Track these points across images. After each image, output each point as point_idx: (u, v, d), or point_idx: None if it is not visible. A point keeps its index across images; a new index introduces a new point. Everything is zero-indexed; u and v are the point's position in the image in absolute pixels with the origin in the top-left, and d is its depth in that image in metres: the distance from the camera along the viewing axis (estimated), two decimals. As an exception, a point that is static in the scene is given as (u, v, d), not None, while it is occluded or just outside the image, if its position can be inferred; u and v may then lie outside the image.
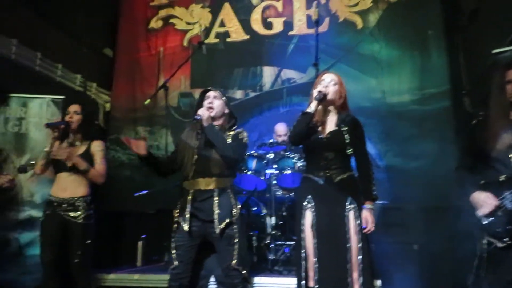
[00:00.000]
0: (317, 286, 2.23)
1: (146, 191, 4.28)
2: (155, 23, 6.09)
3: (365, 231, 2.30)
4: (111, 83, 6.03)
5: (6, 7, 4.39)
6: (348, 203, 2.32)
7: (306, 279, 2.28)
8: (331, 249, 2.26)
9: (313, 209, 2.34)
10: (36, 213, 3.85)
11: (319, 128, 2.44)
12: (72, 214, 2.89)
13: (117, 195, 5.00)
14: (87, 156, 3.00)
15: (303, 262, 2.30)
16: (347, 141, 2.37)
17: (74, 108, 3.07)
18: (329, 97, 2.42)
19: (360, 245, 2.26)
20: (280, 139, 4.19)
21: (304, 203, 2.38)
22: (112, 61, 6.14)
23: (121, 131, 5.72)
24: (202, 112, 2.57)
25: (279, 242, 3.64)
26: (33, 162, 3.15)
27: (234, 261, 2.51)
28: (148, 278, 3.32)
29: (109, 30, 6.19)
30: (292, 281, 3.02)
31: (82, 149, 3.02)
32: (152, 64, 5.94)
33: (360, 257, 2.24)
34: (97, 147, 3.07)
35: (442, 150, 4.40)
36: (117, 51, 6.13)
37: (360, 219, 2.31)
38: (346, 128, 2.40)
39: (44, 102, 4.18)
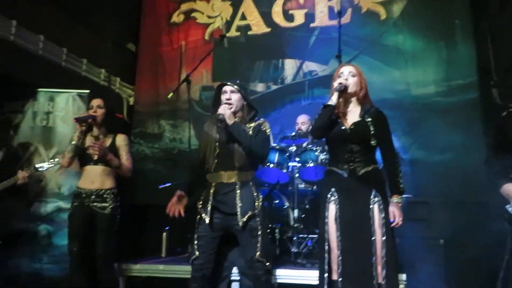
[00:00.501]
0: (340, 279, 2.21)
1: (169, 184, 4.34)
2: (177, 17, 6.13)
3: (393, 225, 2.27)
4: (134, 77, 6.13)
5: (33, 4, 4.50)
6: (373, 196, 2.29)
7: (329, 272, 2.28)
8: (354, 242, 2.24)
9: (336, 202, 2.33)
10: (64, 205, 3.95)
11: (342, 120, 2.41)
12: (99, 205, 2.95)
13: (141, 188, 5.10)
14: (112, 150, 3.04)
15: (326, 255, 2.30)
16: (372, 132, 2.33)
17: (97, 102, 3.12)
18: (350, 89, 2.39)
19: (384, 238, 2.23)
20: (298, 127, 4.18)
21: (328, 196, 2.36)
22: (135, 56, 6.23)
23: (145, 125, 5.81)
24: (223, 111, 2.56)
25: (301, 235, 3.63)
26: (51, 161, 3.20)
27: (258, 253, 2.53)
28: (173, 269, 3.37)
29: (132, 25, 6.27)
30: (315, 273, 2.98)
31: (107, 142, 3.07)
32: (174, 58, 6.00)
33: (384, 250, 2.21)
34: (122, 141, 3.11)
35: (468, 143, 4.31)
36: (140, 45, 6.22)
37: (384, 212, 2.27)
38: (370, 119, 2.36)
39: (70, 96, 4.28)
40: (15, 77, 4.12)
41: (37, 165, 3.18)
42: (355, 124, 2.37)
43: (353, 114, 2.42)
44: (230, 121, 2.54)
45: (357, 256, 2.22)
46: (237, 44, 5.71)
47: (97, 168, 3.00)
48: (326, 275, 2.27)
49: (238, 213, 2.54)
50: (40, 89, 4.21)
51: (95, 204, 2.95)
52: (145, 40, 6.20)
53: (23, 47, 4.37)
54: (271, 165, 3.72)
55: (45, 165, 3.19)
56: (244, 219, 2.54)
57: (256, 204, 2.60)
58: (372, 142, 2.34)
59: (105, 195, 2.98)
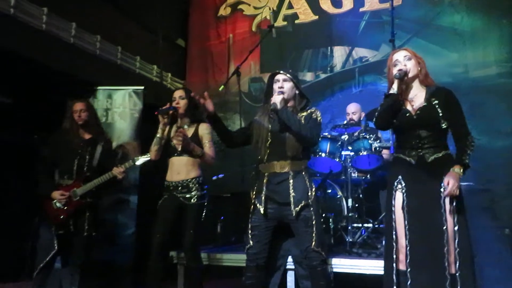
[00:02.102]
0: (409, 269, 2.14)
1: (222, 175, 4.43)
2: (224, 11, 6.20)
3: (445, 194, 2.12)
4: (185, 72, 6.28)
5: (89, 5, 4.73)
6: (443, 183, 2.16)
7: (397, 261, 2.22)
8: (424, 232, 2.15)
9: (403, 190, 2.25)
10: (125, 196, 4.15)
11: (407, 106, 2.32)
12: (186, 195, 3.00)
13: (204, 178, 5.22)
14: (195, 139, 3.05)
15: (394, 244, 2.23)
16: (441, 114, 2.22)
17: (179, 93, 3.14)
18: (410, 74, 2.29)
19: (456, 228, 2.13)
20: (349, 117, 4.10)
21: (395, 184, 2.29)
22: (185, 51, 6.39)
23: (196, 118, 5.93)
24: (275, 99, 2.57)
25: (355, 225, 3.58)
26: (146, 155, 3.28)
27: (313, 243, 2.52)
28: (229, 257, 3.46)
29: (181, 21, 6.43)
30: (371, 263, 2.98)
31: (190, 132, 3.08)
32: (223, 51, 6.08)
33: (457, 240, 2.12)
34: (204, 130, 3.11)
35: (534, 126, 4.02)
36: (189, 40, 6.37)
37: (456, 201, 2.15)
38: (438, 101, 2.25)
39: (126, 93, 4.45)
40: (76, 76, 4.36)
41: (135, 158, 3.28)
42: (421, 109, 2.27)
43: (418, 98, 2.31)
44: (280, 106, 2.53)
45: (427, 246, 2.13)
46: (285, 33, 5.68)
47: (182, 158, 3.03)
48: (394, 264, 2.21)
49: (292, 202, 2.54)
50: (99, 87, 4.41)
51: (181, 195, 3.00)
52: (193, 35, 6.34)
53: (82, 47, 4.62)
54: (323, 155, 3.68)
55: (141, 158, 3.26)
56: (298, 209, 2.53)
57: (309, 194, 2.58)
58: (442, 125, 2.23)
59: (190, 185, 3.01)
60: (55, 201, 3.13)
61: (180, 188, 3.01)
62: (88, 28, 4.67)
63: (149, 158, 3.18)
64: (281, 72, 2.68)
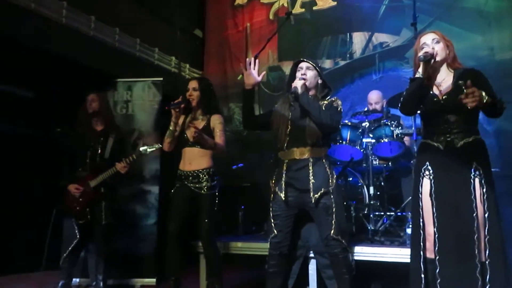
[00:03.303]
0: (438, 257, 2.09)
1: (241, 165, 4.43)
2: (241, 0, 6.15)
3: (461, 96, 1.91)
4: (203, 62, 6.28)
5: (107, -1, 4.78)
6: (473, 169, 2.11)
7: (424, 249, 2.17)
8: (453, 219, 2.09)
9: (431, 177, 2.19)
10: (146, 187, 4.21)
11: (435, 91, 2.25)
12: (197, 185, 3.04)
13: (215, 169, 5.25)
14: (207, 130, 3.08)
15: (421, 232, 2.19)
16: None
17: (192, 84, 3.14)
18: (439, 57, 2.21)
19: (487, 215, 2.06)
20: (372, 107, 4.02)
21: (422, 170, 2.24)
22: (202, 41, 6.38)
23: (215, 108, 5.94)
24: (296, 83, 2.57)
25: (377, 213, 3.54)
26: (153, 146, 3.35)
27: (332, 232, 2.50)
28: (250, 246, 3.47)
29: (198, 11, 6.42)
30: (394, 251, 2.94)
31: (202, 123, 3.11)
32: (240, 41, 6.05)
33: (487, 228, 2.05)
34: (216, 120, 3.12)
35: None
36: (206, 31, 6.36)
37: (486, 187, 2.09)
38: (462, 81, 2.16)
39: (145, 85, 4.48)
40: (96, 69, 4.42)
41: (141, 149, 3.35)
42: (448, 93, 2.20)
43: (446, 82, 2.23)
44: (300, 90, 2.52)
45: (456, 233, 2.07)
46: (302, 21, 5.61)
47: (193, 149, 3.06)
48: (421, 252, 2.17)
49: (311, 189, 2.52)
50: (118, 80, 4.46)
51: (192, 185, 3.04)
52: (211, 25, 6.32)
53: (102, 40, 4.67)
54: (344, 142, 3.64)
55: (148, 149, 3.34)
56: (317, 196, 2.51)
57: (329, 181, 2.57)
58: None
59: (201, 175, 3.04)
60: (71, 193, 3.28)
61: (191, 178, 3.05)
62: (107, 21, 4.71)
63: (154, 149, 3.31)
64: (305, 60, 2.68)
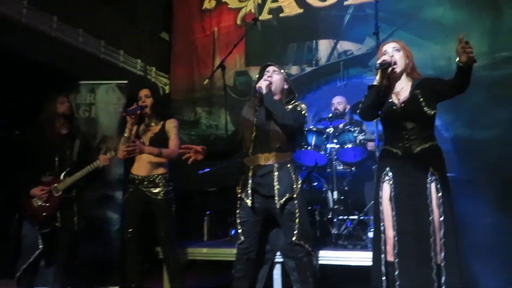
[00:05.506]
0: (397, 260, 2.16)
1: (208, 169, 4.40)
2: (208, 4, 6.14)
3: (461, 45, 1.95)
4: (169, 66, 6.22)
5: (70, -1, 4.64)
6: (430, 174, 2.20)
7: (385, 252, 2.23)
8: (411, 223, 2.17)
9: (391, 181, 2.26)
10: (109, 192, 4.10)
11: (394, 99, 2.33)
12: (153, 190, 3.03)
13: (182, 173, 5.19)
14: (162, 135, 3.10)
15: (382, 235, 2.25)
16: (423, 103, 2.21)
17: (144, 92, 3.17)
18: (398, 67, 2.29)
19: (442, 218, 2.15)
20: (334, 107, 4.13)
21: (382, 176, 2.31)
22: (169, 45, 6.31)
23: (181, 112, 5.91)
24: (261, 83, 2.60)
25: (341, 217, 3.61)
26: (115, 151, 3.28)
27: (295, 237, 2.54)
28: (216, 252, 3.46)
29: (165, 14, 6.35)
30: (357, 255, 3.01)
31: (157, 128, 3.14)
32: (208, 45, 6.04)
33: (442, 231, 2.14)
34: (170, 124, 3.17)
35: (515, 119, 4.10)
36: (173, 34, 6.30)
37: (442, 191, 2.17)
38: (419, 90, 2.25)
39: (109, 88, 4.37)
40: (58, 69, 4.28)
41: (113, 151, 3.27)
42: (405, 101, 2.28)
43: (404, 91, 2.31)
44: (265, 91, 2.55)
45: (414, 237, 2.15)
46: (270, 27, 5.66)
47: (148, 155, 3.06)
48: (382, 256, 2.23)
49: (276, 195, 2.54)
50: (82, 82, 4.34)
51: (148, 189, 3.04)
52: (178, 29, 6.27)
53: (64, 41, 4.53)
54: (309, 148, 3.70)
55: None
56: (282, 202, 2.54)
57: (294, 186, 2.59)
58: (428, 112, 2.22)
59: (157, 180, 3.05)
60: (35, 198, 3.04)
61: (146, 182, 3.05)
62: (70, 21, 4.58)
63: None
64: (273, 64, 2.72)
